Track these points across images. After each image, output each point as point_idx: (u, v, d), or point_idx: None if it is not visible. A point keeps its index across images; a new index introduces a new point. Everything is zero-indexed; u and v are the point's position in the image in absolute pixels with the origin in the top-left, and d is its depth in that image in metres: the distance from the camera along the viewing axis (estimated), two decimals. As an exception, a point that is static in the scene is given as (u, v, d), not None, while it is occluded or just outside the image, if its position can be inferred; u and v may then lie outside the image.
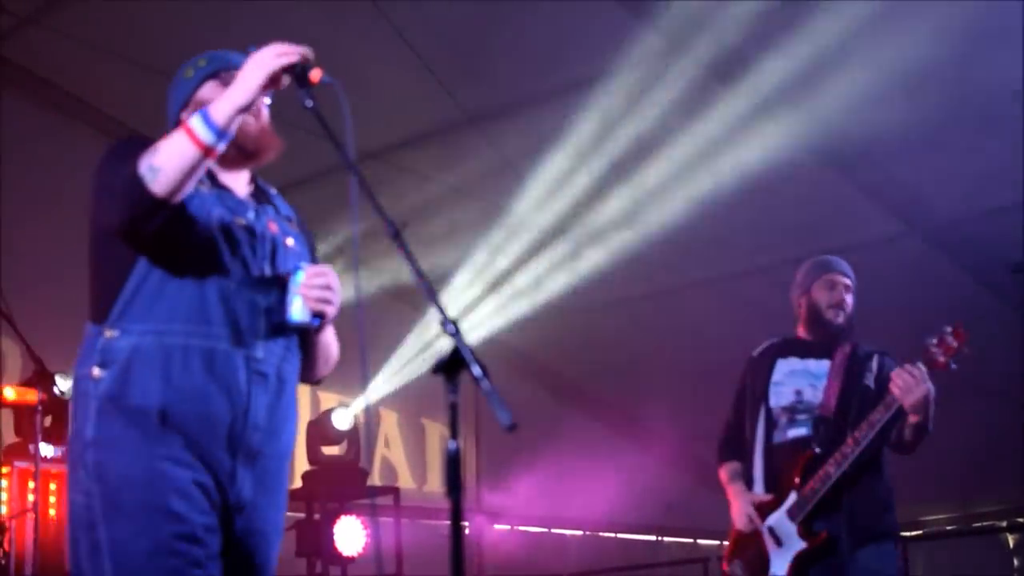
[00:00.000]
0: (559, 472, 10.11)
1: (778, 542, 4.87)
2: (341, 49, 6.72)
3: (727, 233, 8.24)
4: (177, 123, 3.09)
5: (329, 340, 3.23)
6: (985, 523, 10.26)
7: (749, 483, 5.05)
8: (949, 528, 10.30)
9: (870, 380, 4.94)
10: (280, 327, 3.02)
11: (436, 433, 10.00)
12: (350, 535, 7.57)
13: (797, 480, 4.84)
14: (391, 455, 9.74)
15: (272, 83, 2.85)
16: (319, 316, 3.01)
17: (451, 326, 2.37)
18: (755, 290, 8.58)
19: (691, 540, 11.68)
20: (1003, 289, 7.82)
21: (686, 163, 7.69)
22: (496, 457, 9.62)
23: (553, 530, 10.70)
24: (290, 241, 3.13)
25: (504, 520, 10.21)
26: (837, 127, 7.26)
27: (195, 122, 2.81)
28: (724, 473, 5.20)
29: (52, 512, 6.29)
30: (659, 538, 11.53)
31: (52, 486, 6.35)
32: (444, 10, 6.88)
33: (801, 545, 4.82)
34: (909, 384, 4.58)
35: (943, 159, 7.18)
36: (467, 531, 9.72)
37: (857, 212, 7.80)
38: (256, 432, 2.97)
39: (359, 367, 2.84)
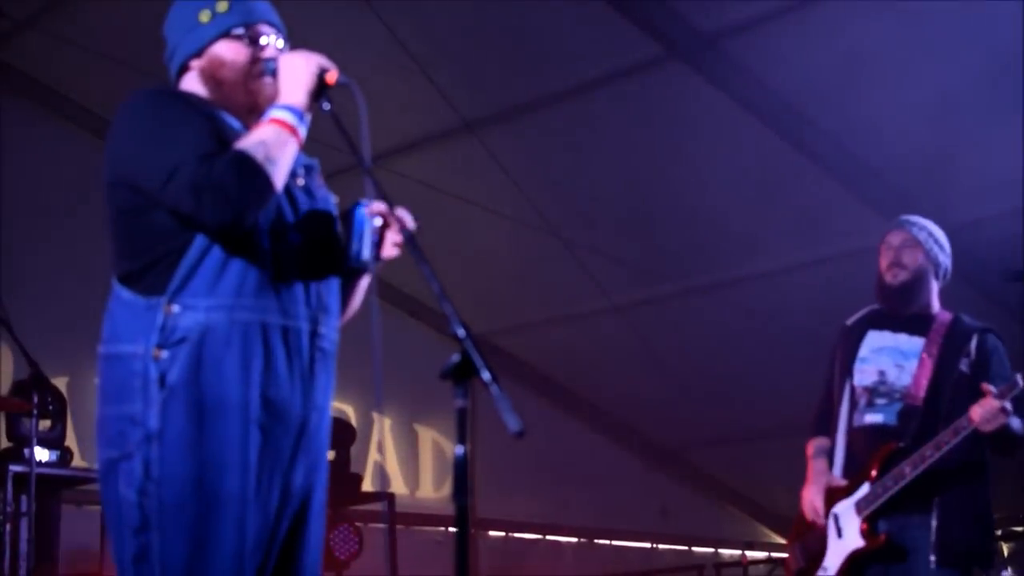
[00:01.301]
0: (554, 479, 10.11)
1: (839, 533, 4.53)
2: (338, 54, 6.68)
3: (726, 239, 8.24)
4: (184, 68, 2.97)
5: (363, 285, 3.04)
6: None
7: (831, 463, 4.67)
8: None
9: (965, 365, 4.50)
10: (335, 296, 2.90)
11: (429, 439, 9.98)
12: (344, 541, 7.56)
13: (874, 472, 4.44)
14: (384, 461, 9.72)
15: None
16: (376, 253, 2.87)
17: (461, 329, 2.34)
18: (754, 296, 8.59)
19: (686, 548, 11.67)
20: (1002, 297, 7.81)
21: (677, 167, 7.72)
22: (493, 463, 9.61)
23: (548, 537, 10.68)
24: (335, 199, 3.02)
25: (499, 527, 10.20)
26: (838, 135, 7.28)
27: (293, 120, 2.75)
28: (810, 448, 4.82)
29: (47, 517, 6.28)
30: (654, 545, 11.51)
31: (47, 491, 6.34)
32: (441, 16, 6.89)
33: (859, 543, 4.44)
34: (988, 415, 4.20)
35: (940, 165, 7.19)
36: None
37: (853, 218, 7.79)
38: (315, 412, 2.82)
39: (373, 384, 2.75)
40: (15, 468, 6.02)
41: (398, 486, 9.63)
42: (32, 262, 7.32)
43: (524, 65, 7.21)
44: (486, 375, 2.26)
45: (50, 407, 6.20)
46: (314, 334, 2.81)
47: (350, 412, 8.97)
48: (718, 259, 8.45)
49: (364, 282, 3.04)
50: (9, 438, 6.43)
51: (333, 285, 2.91)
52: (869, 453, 4.50)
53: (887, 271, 4.64)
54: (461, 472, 2.20)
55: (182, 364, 2.66)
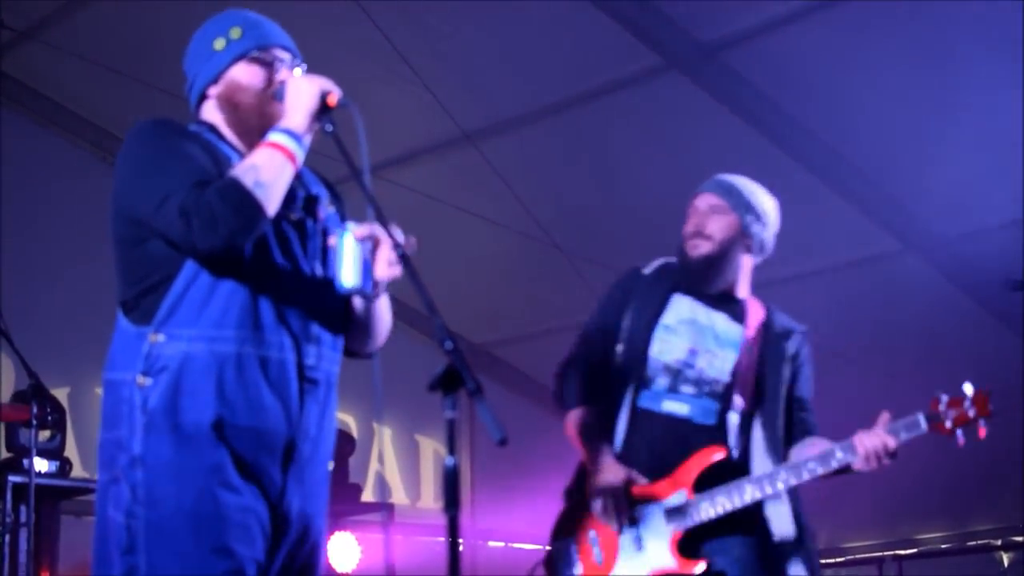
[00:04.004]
0: (555, 489, 10.09)
1: (638, 543, 3.73)
2: (338, 65, 6.70)
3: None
4: (203, 96, 3.03)
5: (384, 308, 3.04)
6: (980, 542, 10.25)
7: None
8: (944, 546, 10.29)
9: (787, 371, 3.85)
10: (330, 328, 2.94)
11: (430, 449, 9.99)
12: (344, 551, 7.56)
13: (693, 478, 3.70)
14: (385, 471, 9.72)
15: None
16: (372, 282, 2.87)
17: (449, 342, 2.38)
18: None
19: (686, 558, 11.64)
20: (1000, 308, 7.82)
21: (676, 178, 7.71)
22: (492, 474, 9.61)
23: (549, 547, 10.66)
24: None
25: (499, 537, 10.19)
26: (837, 147, 7.28)
27: (290, 143, 2.80)
28: (579, 420, 3.85)
29: (46, 528, 6.28)
30: (654, 556, 11.50)
31: (47, 502, 6.34)
32: (441, 27, 6.90)
33: (669, 563, 3.68)
34: (875, 454, 3.58)
35: (940, 176, 7.19)
36: (462, 548, 9.67)
37: (853, 229, 7.80)
38: (307, 443, 2.87)
39: (372, 399, 2.79)
40: (14, 479, 6.03)
41: (399, 496, 9.65)
42: (32, 273, 7.33)
43: (523, 76, 7.22)
44: (469, 385, 2.30)
45: (49, 418, 6.21)
46: (301, 365, 2.86)
47: (351, 422, 8.98)
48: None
49: (381, 305, 3.04)
50: (9, 448, 6.44)
51: (327, 316, 2.94)
52: (675, 451, 3.74)
53: (688, 240, 3.94)
54: (451, 483, 2.23)
55: (161, 391, 2.73)
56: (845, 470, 3.66)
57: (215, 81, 3.01)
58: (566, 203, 8.20)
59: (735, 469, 3.73)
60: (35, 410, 5.76)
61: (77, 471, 6.73)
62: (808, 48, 6.63)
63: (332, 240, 2.92)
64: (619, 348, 3.89)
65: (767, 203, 4.06)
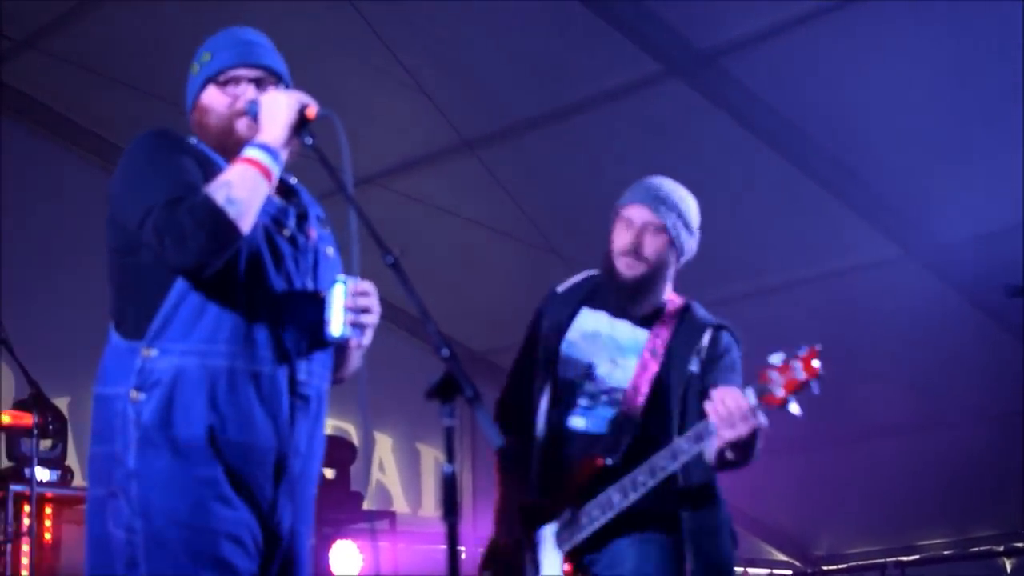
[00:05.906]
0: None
1: (536, 566, 3.66)
2: (337, 74, 6.74)
3: (724, 257, 8.22)
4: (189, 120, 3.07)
5: (359, 355, 3.11)
6: (982, 548, 10.24)
7: (526, 470, 3.76)
8: (946, 552, 10.29)
9: (696, 365, 3.64)
10: (321, 344, 2.94)
11: (431, 457, 9.98)
12: (346, 559, 7.56)
13: (574, 492, 3.60)
14: (386, 479, 9.72)
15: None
16: (358, 329, 2.88)
17: (445, 349, 2.38)
18: (747, 315, 8.57)
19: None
20: (1000, 313, 7.81)
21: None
22: (494, 481, 9.61)
23: None
24: (330, 251, 3.07)
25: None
26: (837, 152, 7.28)
27: (264, 158, 2.79)
28: (499, 456, 3.91)
29: (48, 536, 6.29)
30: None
31: (48, 510, 6.34)
32: (440, 35, 6.90)
33: None
34: (731, 415, 3.28)
35: (941, 181, 7.19)
36: (463, 555, 9.67)
37: (853, 235, 7.79)
38: (297, 458, 2.88)
39: (358, 403, 2.79)
40: (16, 488, 6.04)
41: (400, 504, 9.64)
42: (32, 282, 7.33)
43: (522, 83, 7.22)
44: (467, 392, 2.31)
45: (51, 427, 6.22)
46: (292, 380, 2.87)
47: (351, 431, 8.97)
48: (717, 276, 8.42)
49: (355, 354, 3.09)
50: (10, 458, 6.44)
51: (319, 332, 2.92)
52: (570, 467, 3.66)
53: (622, 256, 3.75)
54: (450, 490, 2.24)
55: (154, 406, 2.74)
56: (730, 464, 3.46)
57: (194, 107, 3.06)
58: (565, 210, 8.19)
59: (617, 474, 3.57)
60: (36, 419, 5.77)
61: (78, 480, 6.72)
62: (807, 54, 6.62)
63: (329, 289, 2.91)
64: (537, 372, 3.83)
65: (693, 209, 3.85)
